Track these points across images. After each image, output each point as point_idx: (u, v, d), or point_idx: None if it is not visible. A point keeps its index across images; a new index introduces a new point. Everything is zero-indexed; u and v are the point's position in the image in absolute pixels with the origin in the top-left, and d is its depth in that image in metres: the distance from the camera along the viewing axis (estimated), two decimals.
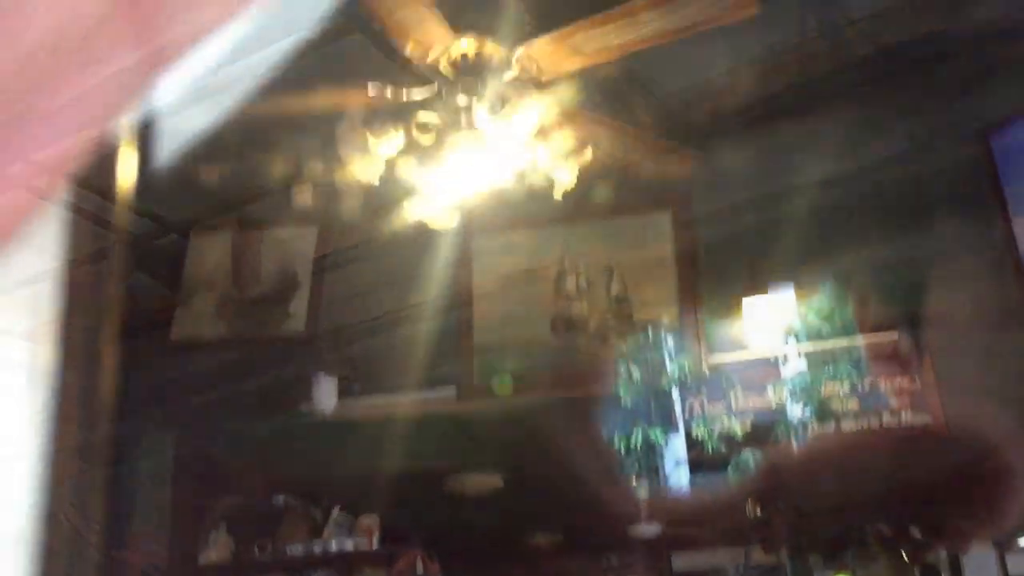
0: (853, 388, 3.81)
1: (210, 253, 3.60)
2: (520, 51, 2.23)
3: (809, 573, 6.67)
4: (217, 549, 5.36)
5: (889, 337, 3.74)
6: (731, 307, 3.50)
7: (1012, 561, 6.41)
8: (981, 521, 6.18)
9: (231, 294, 3.57)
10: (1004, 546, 6.47)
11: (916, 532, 6.15)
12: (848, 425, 3.73)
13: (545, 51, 2.24)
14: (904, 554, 6.54)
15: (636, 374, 3.67)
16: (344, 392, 3.67)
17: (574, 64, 2.24)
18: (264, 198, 3.28)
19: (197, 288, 3.58)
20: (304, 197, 3.18)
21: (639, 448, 4.91)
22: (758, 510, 5.95)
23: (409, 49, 2.13)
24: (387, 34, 2.10)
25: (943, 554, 6.56)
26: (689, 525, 6.93)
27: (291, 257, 3.55)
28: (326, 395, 3.53)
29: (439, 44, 2.10)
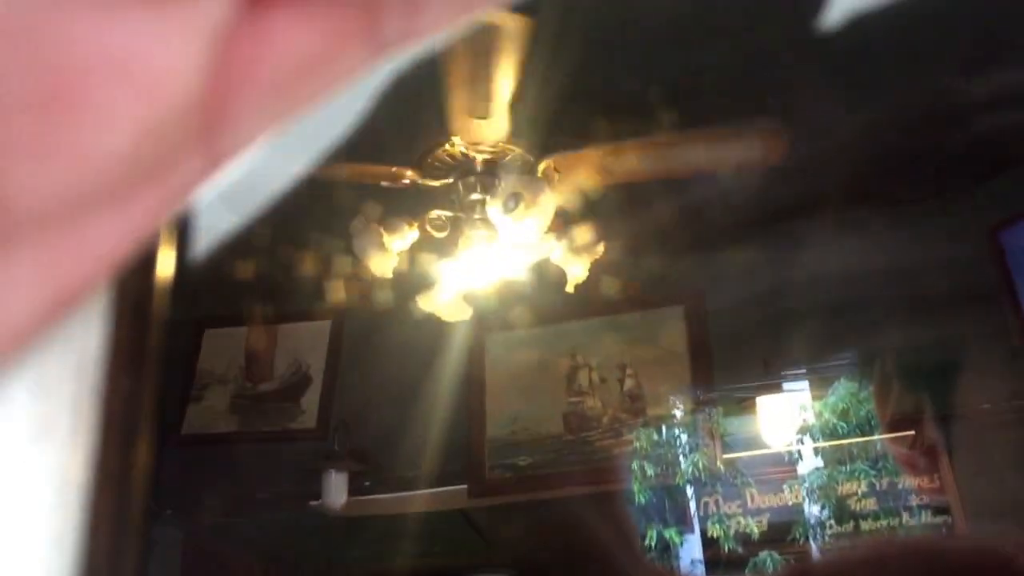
0: (871, 487, 3.74)
1: (224, 348, 3.63)
2: (547, 161, 2.27)
3: None
4: None
5: (906, 434, 3.68)
6: (745, 404, 3.47)
7: None
8: None
9: (243, 389, 3.57)
10: None
11: None
12: (867, 525, 3.61)
13: (571, 164, 2.28)
14: None
15: (650, 471, 3.63)
16: (355, 489, 3.62)
17: (597, 180, 2.27)
18: (279, 294, 3.31)
19: (210, 383, 3.59)
20: (321, 292, 3.21)
21: (654, 547, 4.82)
22: None
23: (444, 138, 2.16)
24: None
25: None
26: None
27: (304, 352, 3.57)
28: (336, 491, 3.50)
29: (469, 138, 2.14)
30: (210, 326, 3.58)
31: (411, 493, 3.93)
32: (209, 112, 0.22)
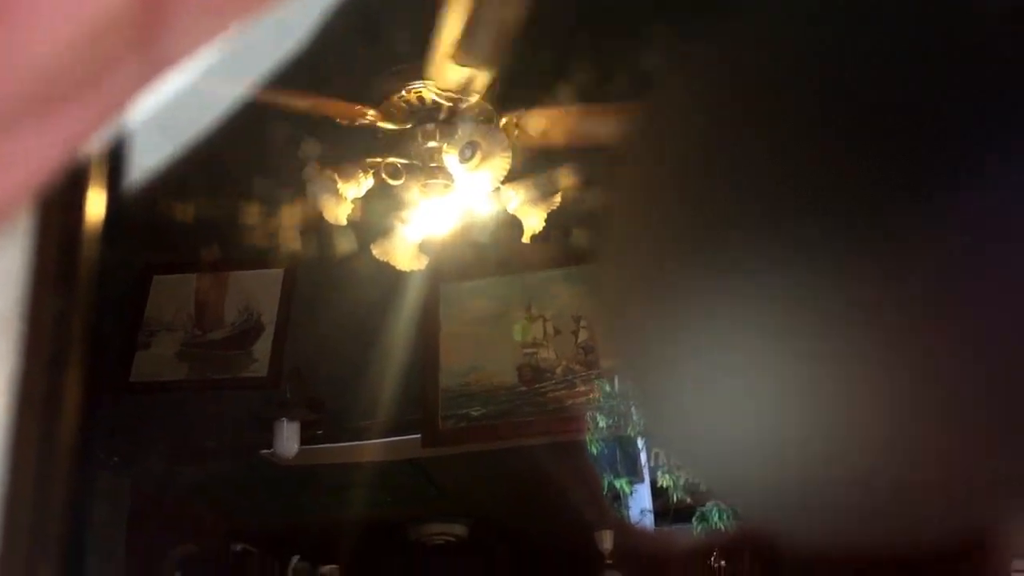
0: None
1: (172, 295, 3.54)
2: (510, 116, 2.23)
3: None
4: None
5: None
6: None
7: None
8: None
9: (193, 336, 3.50)
10: None
11: None
12: None
13: (533, 122, 2.23)
14: None
15: (602, 422, 3.63)
16: (307, 438, 3.59)
17: (559, 139, 2.23)
18: (229, 240, 3.24)
19: (158, 330, 3.51)
20: (273, 240, 3.14)
21: (605, 496, 4.86)
22: (723, 561, 5.97)
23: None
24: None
25: None
26: (653, 574, 6.87)
27: (256, 300, 3.50)
28: (288, 440, 3.46)
29: (433, 80, 2.08)
30: (158, 272, 3.49)
31: (364, 442, 3.91)
32: (144, 17, 0.21)
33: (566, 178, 2.38)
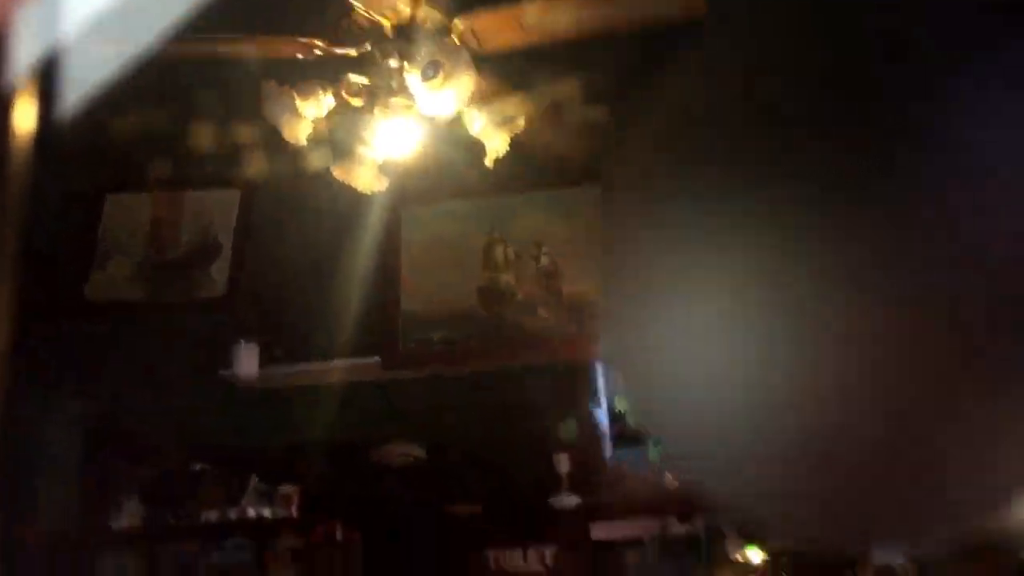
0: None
1: (128, 215, 3.46)
2: (461, 20, 2.17)
3: (723, 545, 6.84)
4: (130, 516, 5.23)
5: None
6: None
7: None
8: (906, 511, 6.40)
9: (149, 257, 3.44)
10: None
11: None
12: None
13: (487, 23, 2.18)
14: None
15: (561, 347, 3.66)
16: (266, 359, 3.55)
17: (515, 39, 2.18)
18: (184, 158, 3.16)
19: (113, 250, 3.44)
20: (230, 159, 3.08)
21: (562, 421, 4.92)
22: (676, 483, 6.10)
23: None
24: None
25: None
26: (608, 497, 7.01)
27: (212, 220, 3.43)
28: (247, 362, 3.44)
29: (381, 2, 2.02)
30: (111, 191, 3.41)
31: (324, 365, 3.91)
32: None
33: (531, 102, 2.35)
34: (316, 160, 2.32)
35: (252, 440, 5.20)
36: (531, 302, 3.42)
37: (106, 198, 3.42)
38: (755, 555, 6.81)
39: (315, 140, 2.26)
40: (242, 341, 3.43)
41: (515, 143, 2.29)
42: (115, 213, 3.44)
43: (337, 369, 3.94)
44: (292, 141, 2.20)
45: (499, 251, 3.46)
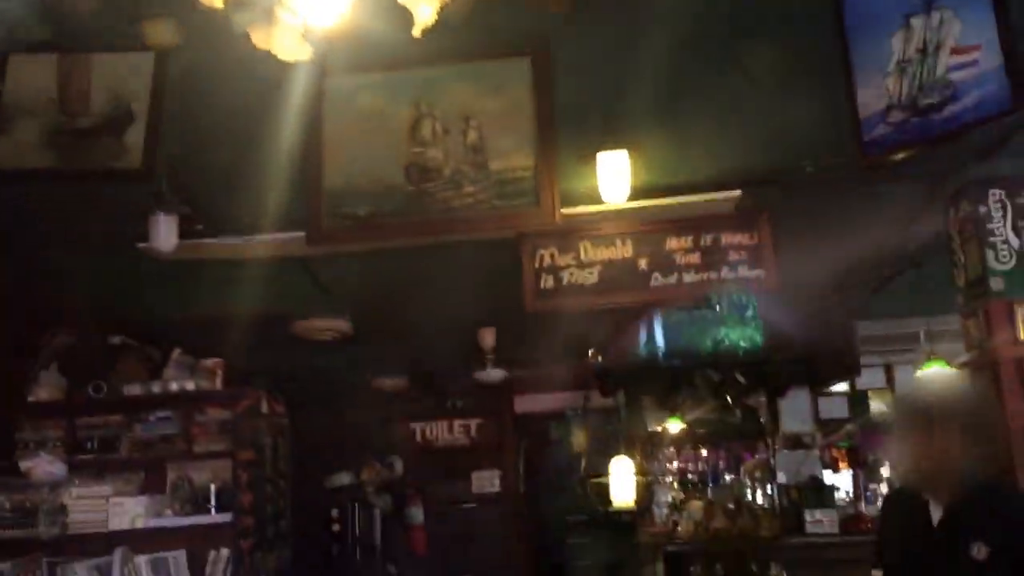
0: (695, 243, 3.90)
1: (32, 77, 3.27)
2: None
3: (641, 415, 7.11)
4: (48, 388, 5.17)
5: (731, 195, 3.84)
6: (585, 158, 3.48)
7: (822, 403, 7.05)
8: (798, 370, 6.65)
9: (59, 122, 3.27)
10: (816, 391, 7.09)
11: (740, 378, 6.59)
12: (689, 278, 3.87)
13: None
14: (728, 398, 7.04)
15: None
16: (185, 232, 3.48)
17: None
18: (93, 20, 2.97)
19: (18, 114, 3.25)
20: (141, 20, 2.90)
21: (489, 298, 4.94)
22: (599, 358, 6.30)
23: None
24: None
25: (763, 398, 7.11)
26: (533, 371, 7.15)
27: (125, 86, 3.25)
28: (165, 234, 3.35)
29: None
30: (14, 51, 3.20)
31: (246, 238, 3.86)
32: None
33: None
34: (235, 24, 2.19)
35: (173, 313, 5.16)
36: (458, 178, 3.37)
37: (8, 59, 3.21)
38: (675, 426, 7.12)
39: (234, 3, 2.12)
40: (160, 213, 3.32)
41: (444, 13, 2.20)
42: (18, 75, 3.23)
43: (260, 244, 3.87)
44: (207, 3, 2.07)
45: (426, 126, 3.39)
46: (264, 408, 5.89)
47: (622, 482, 6.38)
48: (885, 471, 6.80)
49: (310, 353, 6.14)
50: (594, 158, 3.46)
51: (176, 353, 5.42)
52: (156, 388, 5.22)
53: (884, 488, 6.78)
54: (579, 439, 8.28)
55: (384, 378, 7.61)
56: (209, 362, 5.38)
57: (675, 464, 7.11)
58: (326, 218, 3.47)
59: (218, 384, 5.31)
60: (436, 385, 8.11)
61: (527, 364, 7.20)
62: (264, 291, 4.56)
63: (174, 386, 5.22)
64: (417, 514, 7.87)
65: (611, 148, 3.44)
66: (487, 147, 3.46)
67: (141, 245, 3.54)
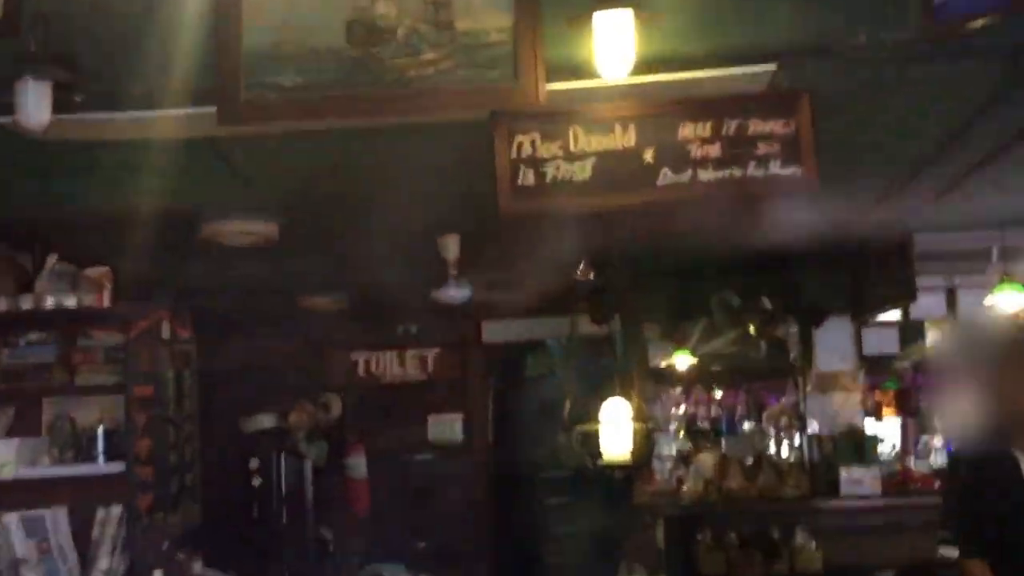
0: (716, 131, 3.86)
1: None
2: None
3: (642, 347, 7.15)
4: None
5: (763, 70, 3.80)
6: (579, 23, 3.38)
7: (867, 335, 7.04)
8: (839, 293, 6.65)
9: None
10: (860, 320, 7.12)
11: (767, 303, 6.63)
12: (707, 175, 3.86)
13: None
14: (752, 327, 7.07)
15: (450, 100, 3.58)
16: (62, 104, 3.40)
17: None
18: None
19: None
20: None
21: (453, 197, 4.94)
22: (590, 274, 6.31)
23: None
24: None
25: (793, 328, 7.12)
26: (506, 290, 7.15)
27: None
28: (35, 106, 3.27)
29: None
30: None
31: (142, 114, 3.81)
32: None
33: None
34: None
35: (49, 209, 5.09)
36: (415, 40, 3.31)
37: None
38: (683, 361, 7.17)
39: None
40: (28, 78, 3.24)
41: None
42: None
43: (160, 121, 3.82)
44: None
45: None
46: (165, 332, 5.88)
47: (615, 430, 6.48)
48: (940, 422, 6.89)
49: (225, 263, 6.15)
50: (589, 19, 3.35)
51: (52, 261, 5.38)
52: (26, 304, 5.19)
53: (938, 441, 6.88)
54: (564, 377, 8.37)
55: (318, 296, 7.60)
56: (95, 272, 5.35)
57: (682, 409, 7.24)
58: (244, 90, 3.40)
59: (106, 300, 5.27)
60: (384, 306, 8.13)
61: (499, 281, 7.17)
62: (166, 183, 4.53)
63: (50, 302, 5.18)
64: (358, 466, 8.03)
65: (611, 6, 3.32)
66: (453, 1, 3.34)
67: (3, 120, 3.49)
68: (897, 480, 6.41)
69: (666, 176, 3.89)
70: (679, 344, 7.17)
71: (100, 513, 5.06)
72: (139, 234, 5.18)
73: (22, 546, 4.99)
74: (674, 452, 7.03)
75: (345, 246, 6.27)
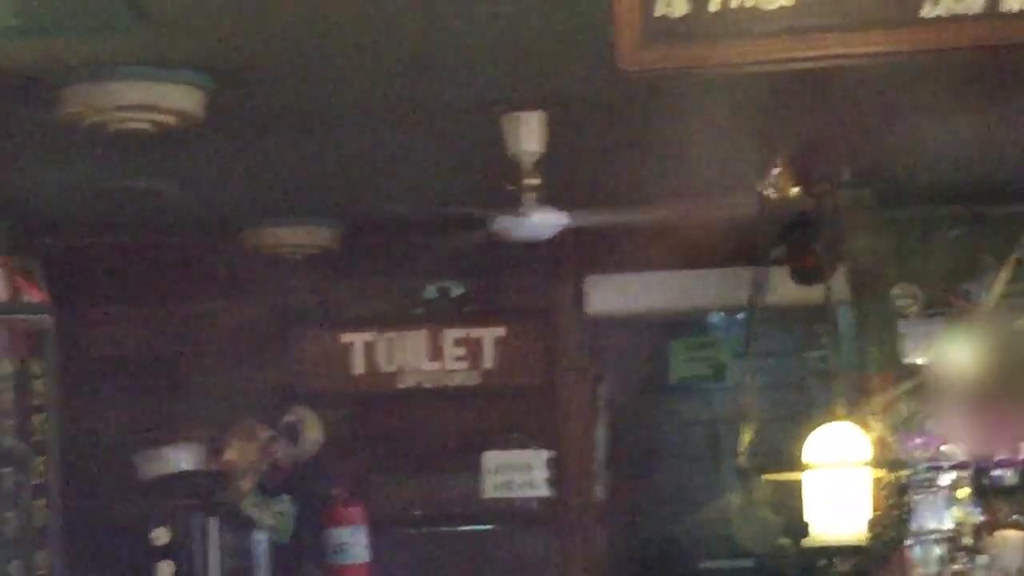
0: None
1: None
2: None
3: (893, 330, 6.94)
4: None
5: None
6: None
7: None
8: None
9: None
10: None
11: None
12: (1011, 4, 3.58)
13: None
14: None
15: None
16: None
17: None
18: None
19: None
20: None
21: (531, 44, 4.65)
22: (793, 189, 6.03)
23: None
24: None
25: None
26: (631, 217, 7.07)
27: None
28: None
29: None
30: None
31: None
32: None
33: None
34: None
35: None
36: None
37: None
38: (965, 357, 6.33)
39: None
40: None
41: None
42: None
43: None
44: None
45: None
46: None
47: (836, 485, 5.77)
48: None
49: (111, 166, 5.92)
50: None
51: None
52: None
53: None
54: (738, 383, 8.21)
55: (280, 229, 7.33)
56: None
57: (962, 447, 6.92)
58: None
59: None
60: (401, 248, 7.96)
61: (617, 201, 7.14)
62: (39, 16, 4.21)
63: None
64: (353, 544, 7.63)
65: None
66: None
67: None
68: None
69: (938, 1, 3.58)
70: (957, 325, 6.91)
71: None
72: None
73: None
74: (949, 525, 6.57)
75: (330, 133, 5.90)
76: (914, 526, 6.27)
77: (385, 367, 7.87)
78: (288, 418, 7.54)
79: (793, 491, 6.17)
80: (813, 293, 6.85)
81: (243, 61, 4.90)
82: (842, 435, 5.93)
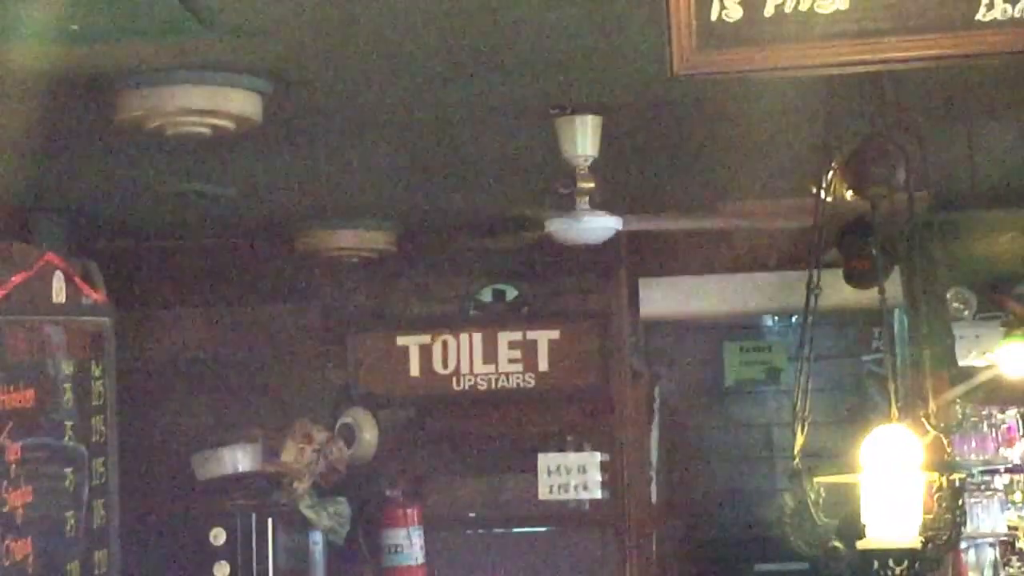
0: None
1: None
2: None
3: (949, 333, 6.72)
4: None
5: None
6: None
7: None
8: None
9: None
10: None
11: None
12: None
13: None
14: None
15: None
16: None
17: None
18: None
19: None
20: None
21: (586, 48, 4.63)
22: (849, 191, 5.72)
23: None
24: None
25: None
26: (681, 221, 7.09)
27: None
28: None
29: None
30: None
31: None
32: None
33: None
34: None
35: None
36: None
37: None
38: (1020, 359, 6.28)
39: None
40: None
41: None
42: None
43: None
44: None
45: None
46: (59, 292, 5.70)
47: (889, 487, 5.47)
48: None
49: (169, 170, 5.91)
50: None
51: None
52: None
53: None
54: (793, 386, 7.63)
55: (339, 230, 7.29)
56: None
57: (1020, 450, 6.87)
58: None
59: None
60: (456, 251, 7.94)
61: (671, 205, 7.14)
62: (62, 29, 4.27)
63: None
64: (408, 546, 7.64)
65: None
66: None
67: None
68: None
69: (993, 5, 3.57)
70: (1014, 328, 6.84)
71: None
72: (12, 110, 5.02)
73: None
74: (1003, 528, 6.57)
75: (387, 140, 5.85)
76: (968, 529, 6.23)
77: (441, 369, 7.90)
78: (344, 420, 7.60)
79: (847, 494, 6.52)
80: (868, 296, 7.29)
81: (301, 66, 4.92)
82: (897, 438, 6.15)
